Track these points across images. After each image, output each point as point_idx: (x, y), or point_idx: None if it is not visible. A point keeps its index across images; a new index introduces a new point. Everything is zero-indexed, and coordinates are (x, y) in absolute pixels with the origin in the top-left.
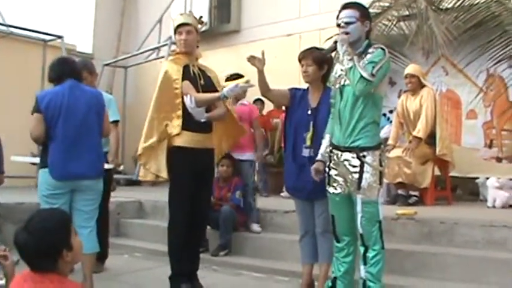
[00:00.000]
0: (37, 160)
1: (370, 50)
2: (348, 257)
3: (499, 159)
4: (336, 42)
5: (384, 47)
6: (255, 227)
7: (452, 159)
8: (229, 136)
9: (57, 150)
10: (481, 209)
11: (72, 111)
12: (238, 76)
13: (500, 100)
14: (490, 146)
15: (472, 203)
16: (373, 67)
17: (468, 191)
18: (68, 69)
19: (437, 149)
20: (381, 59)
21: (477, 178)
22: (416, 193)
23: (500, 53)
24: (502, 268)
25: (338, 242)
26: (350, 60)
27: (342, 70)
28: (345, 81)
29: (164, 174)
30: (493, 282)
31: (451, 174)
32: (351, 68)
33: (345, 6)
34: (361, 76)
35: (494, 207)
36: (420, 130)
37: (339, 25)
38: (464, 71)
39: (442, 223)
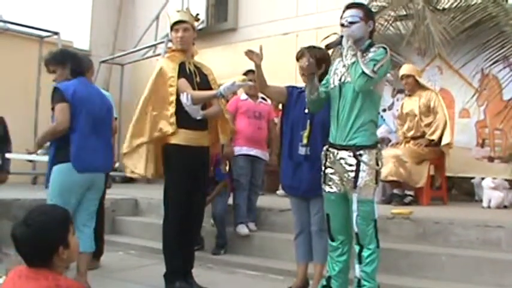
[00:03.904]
0: (33, 157)
1: (372, 49)
2: (342, 256)
3: (491, 159)
4: (342, 36)
5: (385, 46)
6: (251, 225)
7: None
8: (222, 134)
9: (80, 142)
10: (476, 209)
11: (91, 104)
12: (254, 73)
13: (495, 100)
14: (482, 146)
15: (468, 203)
16: (375, 64)
17: (463, 191)
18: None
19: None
20: (383, 57)
21: (471, 178)
22: (411, 193)
23: (496, 54)
24: (496, 268)
25: (333, 241)
26: (353, 55)
27: (343, 67)
28: (345, 78)
29: (140, 170)
30: (487, 282)
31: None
32: (353, 63)
33: (349, 6)
34: (363, 72)
35: (489, 207)
36: (435, 133)
37: (342, 24)
38: (459, 71)
39: (437, 223)
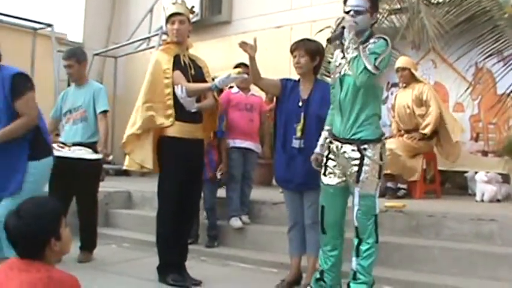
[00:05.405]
0: None
1: (371, 40)
2: (334, 250)
3: (485, 153)
4: (343, 27)
5: (386, 38)
6: (244, 218)
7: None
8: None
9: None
10: (470, 203)
11: None
12: (246, 66)
13: (489, 94)
14: (476, 140)
15: (461, 196)
16: (376, 58)
17: (457, 185)
18: None
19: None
20: (384, 50)
21: (464, 172)
22: (404, 186)
23: (490, 48)
24: (489, 261)
25: (324, 233)
26: (355, 49)
27: (342, 58)
28: (345, 70)
29: (149, 164)
30: (480, 275)
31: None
32: (355, 57)
33: None
34: (365, 67)
35: (482, 201)
36: (427, 127)
37: (347, 12)
38: (454, 65)
39: (430, 216)
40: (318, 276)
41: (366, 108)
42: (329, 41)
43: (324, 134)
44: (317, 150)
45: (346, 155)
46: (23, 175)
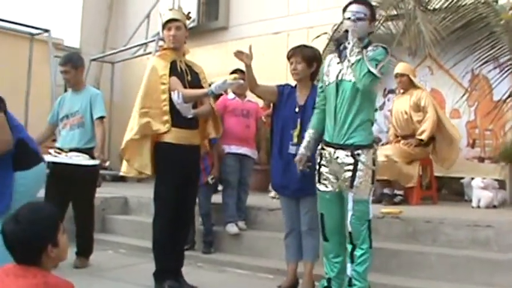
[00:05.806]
0: None
1: (369, 48)
2: (338, 257)
3: (481, 159)
4: (346, 31)
5: (386, 46)
6: (241, 224)
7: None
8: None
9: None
10: (466, 209)
11: None
12: (242, 72)
13: (485, 101)
14: (473, 146)
15: (457, 203)
16: (377, 64)
17: (453, 191)
18: None
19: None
20: (384, 57)
21: (461, 178)
22: (401, 192)
23: (486, 54)
24: (485, 268)
25: (327, 241)
26: (359, 53)
27: (338, 64)
28: (342, 76)
29: (148, 170)
30: (477, 281)
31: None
32: (358, 61)
33: (357, 0)
34: (369, 71)
35: (478, 207)
36: (424, 133)
37: (348, 18)
38: (450, 72)
39: (427, 222)
40: (325, 284)
41: (361, 113)
42: (337, 40)
43: (308, 135)
44: (301, 151)
45: (339, 160)
46: (11, 191)
